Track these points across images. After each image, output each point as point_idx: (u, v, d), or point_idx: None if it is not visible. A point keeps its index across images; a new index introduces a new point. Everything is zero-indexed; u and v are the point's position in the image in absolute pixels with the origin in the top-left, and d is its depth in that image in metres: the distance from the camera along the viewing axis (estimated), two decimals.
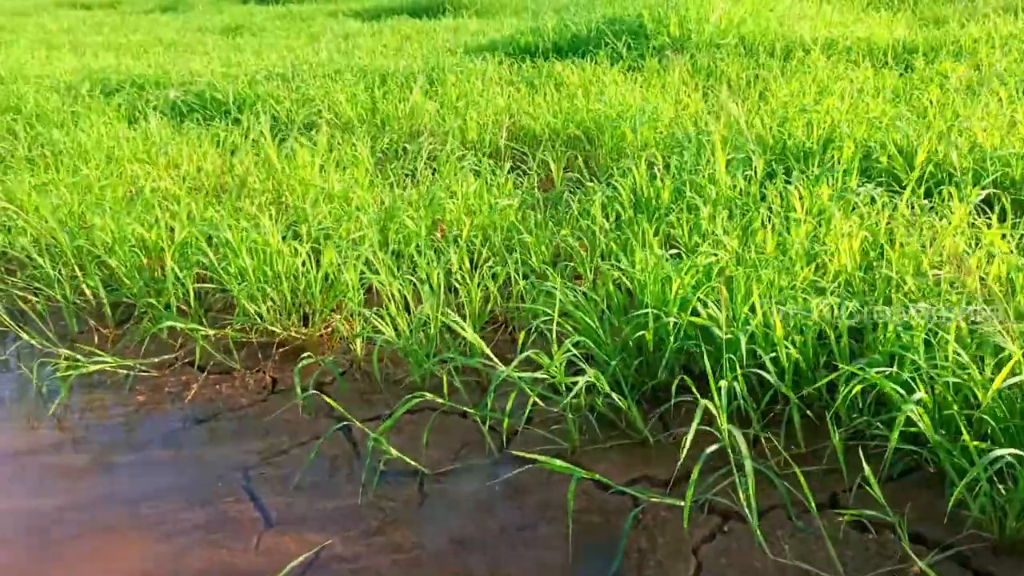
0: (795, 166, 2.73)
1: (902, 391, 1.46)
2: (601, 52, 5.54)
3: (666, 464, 1.65)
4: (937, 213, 2.24)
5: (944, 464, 1.44)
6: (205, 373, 2.19)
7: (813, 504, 1.43)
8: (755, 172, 2.58)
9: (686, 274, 1.84)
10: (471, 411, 1.84)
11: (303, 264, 2.29)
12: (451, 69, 5.19)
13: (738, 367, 1.64)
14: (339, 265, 2.26)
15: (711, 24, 5.65)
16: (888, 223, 2.13)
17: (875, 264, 1.95)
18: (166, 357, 2.25)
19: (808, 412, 1.70)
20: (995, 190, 2.44)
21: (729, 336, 1.68)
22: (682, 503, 1.45)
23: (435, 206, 2.66)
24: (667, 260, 1.95)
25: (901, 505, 1.49)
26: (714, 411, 1.51)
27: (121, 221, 2.59)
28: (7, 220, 2.90)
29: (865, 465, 1.44)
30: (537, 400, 1.78)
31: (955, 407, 1.45)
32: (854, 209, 2.27)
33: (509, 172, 3.12)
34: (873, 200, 2.28)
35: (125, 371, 2.16)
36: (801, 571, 1.40)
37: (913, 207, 2.25)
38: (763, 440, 1.67)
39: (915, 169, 2.54)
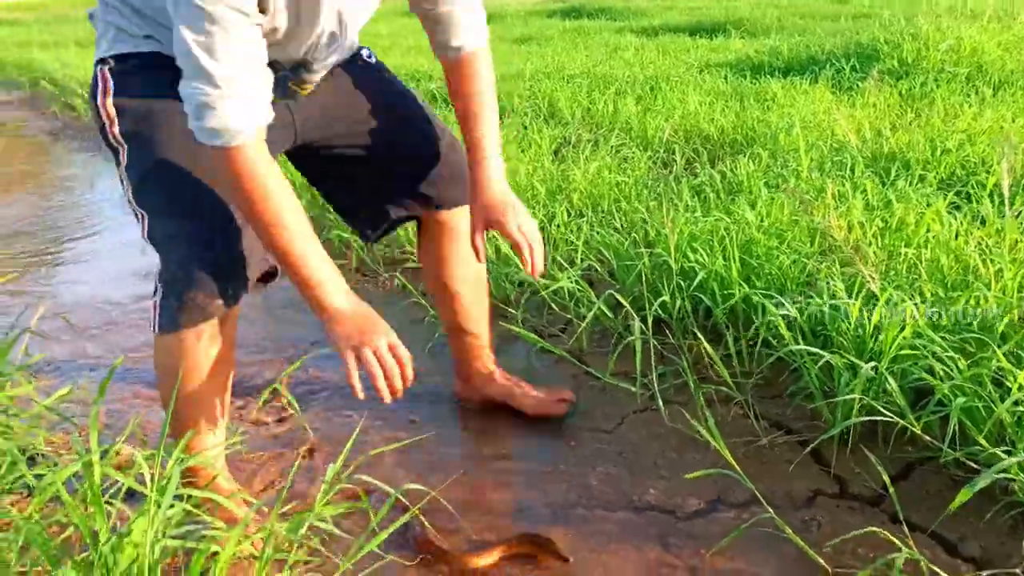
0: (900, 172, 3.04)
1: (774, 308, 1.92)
2: (824, 73, 5.81)
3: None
4: None
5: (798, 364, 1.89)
6: (358, 274, 3.07)
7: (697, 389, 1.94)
8: (849, 171, 2.95)
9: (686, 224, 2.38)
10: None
11: None
12: (672, 79, 5.77)
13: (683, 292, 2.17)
14: None
15: (940, 51, 5.68)
16: None
17: None
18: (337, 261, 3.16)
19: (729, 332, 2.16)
20: None
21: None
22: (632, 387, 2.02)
23: (564, 176, 3.33)
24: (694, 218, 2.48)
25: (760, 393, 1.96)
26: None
27: None
28: None
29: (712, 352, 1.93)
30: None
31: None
32: None
33: (662, 165, 3.71)
34: None
35: None
36: (686, 435, 1.90)
37: None
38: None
39: None
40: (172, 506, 1.25)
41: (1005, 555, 1.47)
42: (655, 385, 2.00)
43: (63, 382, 2.29)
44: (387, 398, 1.36)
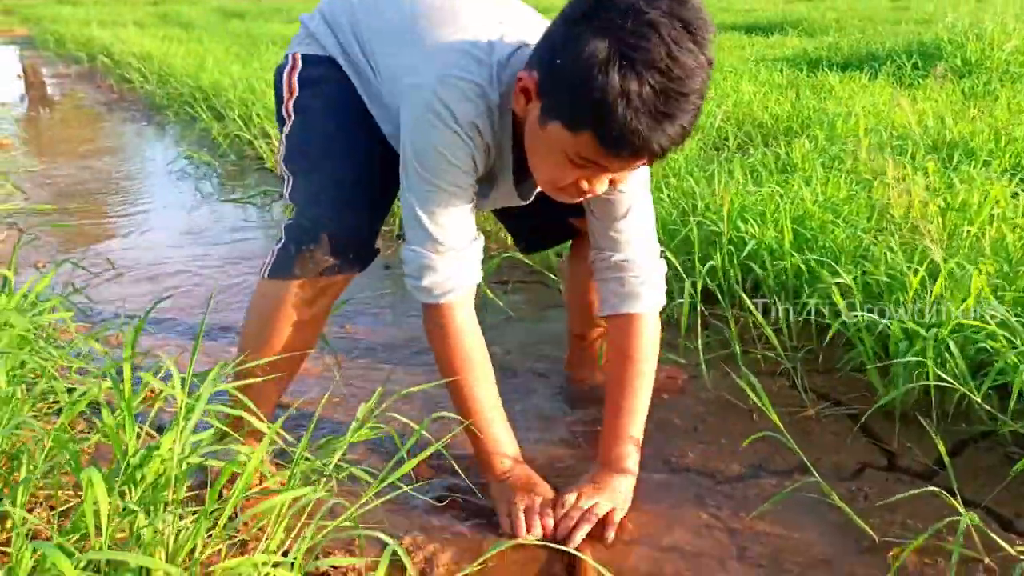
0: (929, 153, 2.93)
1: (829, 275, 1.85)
2: (884, 69, 5.67)
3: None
4: None
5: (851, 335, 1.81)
6: None
7: (743, 356, 1.88)
8: (910, 157, 2.86)
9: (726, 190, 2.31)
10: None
11: None
12: (726, 69, 5.67)
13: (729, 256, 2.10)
14: None
15: (1005, 51, 5.50)
16: None
17: None
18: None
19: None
20: None
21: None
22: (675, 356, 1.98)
23: None
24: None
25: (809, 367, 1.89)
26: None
27: None
28: None
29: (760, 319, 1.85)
30: None
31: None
32: None
33: (713, 148, 3.63)
34: None
35: None
36: (729, 402, 1.84)
37: None
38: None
39: None
40: (205, 430, 1.23)
41: None
42: (700, 352, 1.94)
43: (104, 317, 2.31)
44: (524, 537, 1.38)
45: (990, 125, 3.45)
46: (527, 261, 2.58)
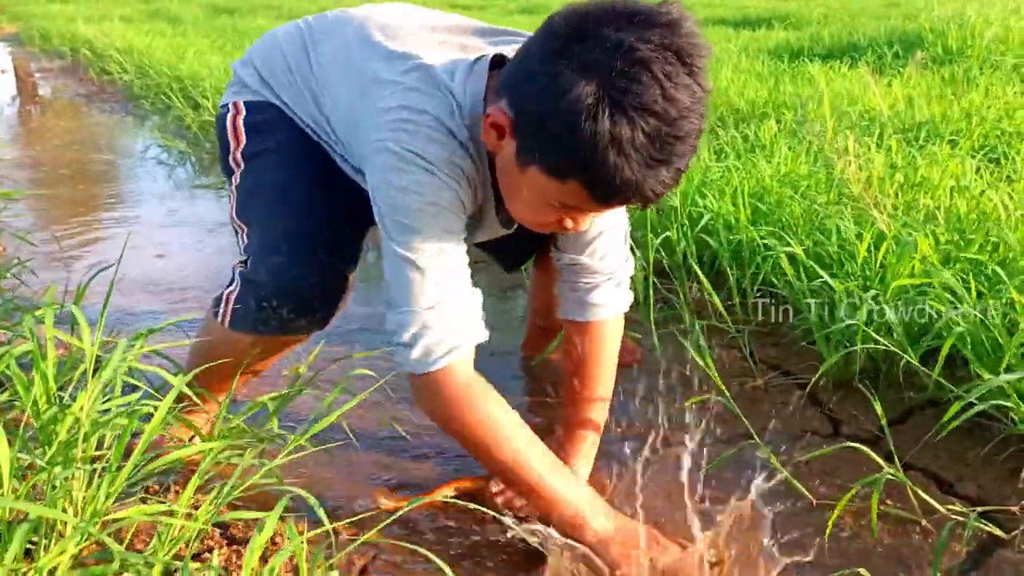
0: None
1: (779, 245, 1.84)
2: (864, 58, 5.66)
3: None
4: None
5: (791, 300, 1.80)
6: None
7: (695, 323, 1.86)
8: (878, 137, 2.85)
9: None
10: None
11: None
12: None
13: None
14: None
15: (986, 39, 5.50)
16: None
17: None
18: None
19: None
20: None
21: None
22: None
23: None
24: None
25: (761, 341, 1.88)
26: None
27: None
28: None
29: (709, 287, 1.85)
30: None
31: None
32: None
33: None
34: None
35: None
36: (681, 373, 1.82)
37: None
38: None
39: None
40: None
41: (1002, 495, 1.37)
42: (652, 325, 1.92)
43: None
44: None
45: (963, 108, 3.44)
46: None
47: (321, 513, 1.03)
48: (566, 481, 1.24)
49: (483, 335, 1.23)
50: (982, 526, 1.28)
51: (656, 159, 0.98)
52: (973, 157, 2.61)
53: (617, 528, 1.22)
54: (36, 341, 1.20)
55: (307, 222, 1.34)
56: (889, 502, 1.38)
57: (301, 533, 0.97)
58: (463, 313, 1.20)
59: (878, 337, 1.49)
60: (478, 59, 1.18)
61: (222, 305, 1.36)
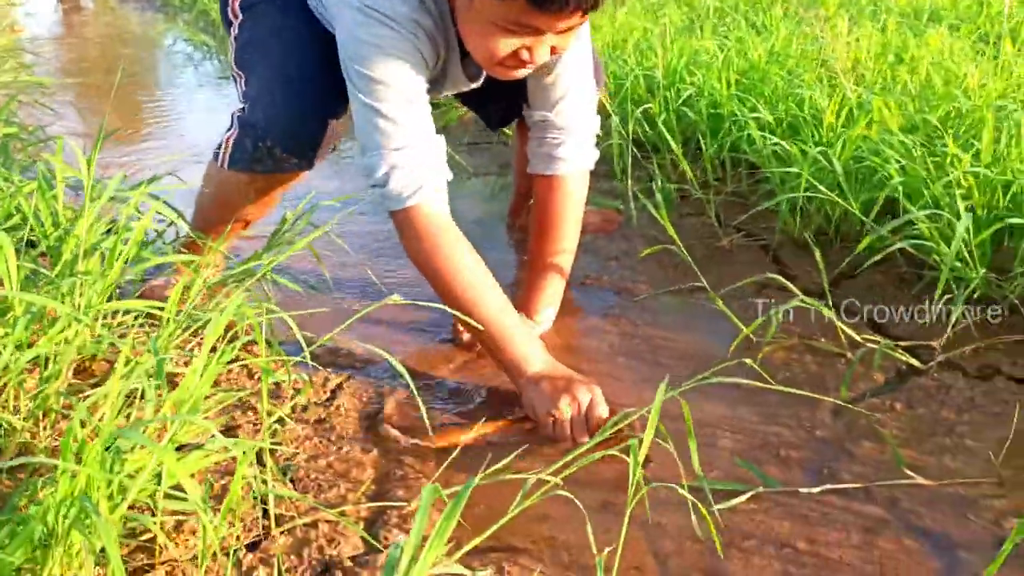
0: None
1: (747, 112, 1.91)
2: None
3: None
4: None
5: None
6: None
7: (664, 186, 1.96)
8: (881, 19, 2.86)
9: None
10: None
11: None
12: None
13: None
14: None
15: None
16: None
17: None
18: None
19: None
20: None
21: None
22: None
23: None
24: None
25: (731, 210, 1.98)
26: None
27: None
28: None
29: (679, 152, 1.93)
30: None
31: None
32: None
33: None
34: None
35: None
36: (651, 236, 1.93)
37: None
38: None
39: None
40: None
41: (930, 334, 1.47)
42: (628, 191, 2.02)
43: None
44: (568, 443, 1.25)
45: None
46: None
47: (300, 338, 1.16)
48: (517, 323, 1.34)
49: (447, 175, 1.35)
50: (901, 356, 1.39)
51: None
52: (974, 41, 2.62)
53: (548, 373, 1.30)
54: (42, 175, 1.34)
55: (300, 70, 1.44)
56: (824, 339, 1.49)
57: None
58: (428, 155, 1.31)
59: (820, 187, 1.58)
60: None
61: (221, 149, 1.50)
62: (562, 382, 1.27)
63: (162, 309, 1.14)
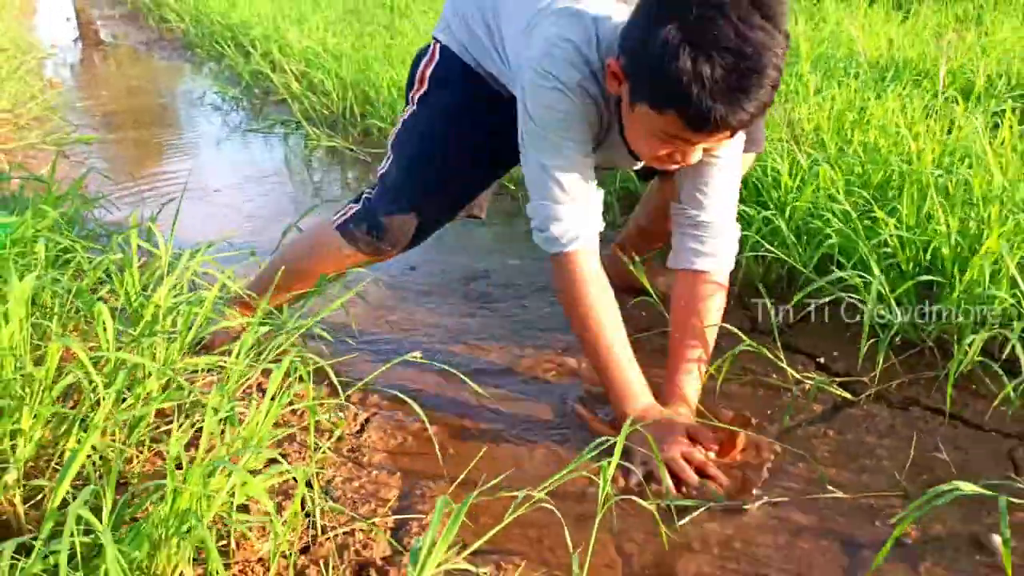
0: None
1: None
2: None
3: None
4: None
5: None
6: None
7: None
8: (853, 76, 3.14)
9: None
10: None
11: None
12: None
13: None
14: None
15: None
16: None
17: None
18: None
19: None
20: None
21: None
22: None
23: None
24: None
25: None
26: None
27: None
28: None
29: None
30: None
31: None
32: None
33: None
34: None
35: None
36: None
37: None
38: None
39: None
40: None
41: (863, 370, 1.74)
42: None
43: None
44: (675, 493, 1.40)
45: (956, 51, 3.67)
46: None
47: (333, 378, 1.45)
48: (630, 362, 1.51)
49: (602, 225, 1.53)
50: (836, 391, 1.66)
51: (736, 90, 1.18)
52: (935, 96, 2.89)
53: (653, 417, 1.44)
54: (125, 253, 1.64)
55: (435, 188, 1.68)
56: (775, 376, 1.76)
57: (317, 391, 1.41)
58: (588, 208, 1.49)
59: (768, 244, 1.86)
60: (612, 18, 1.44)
61: (340, 214, 1.75)
62: (665, 426, 1.45)
63: (226, 364, 1.43)
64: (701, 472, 1.42)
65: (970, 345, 1.58)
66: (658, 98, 1.26)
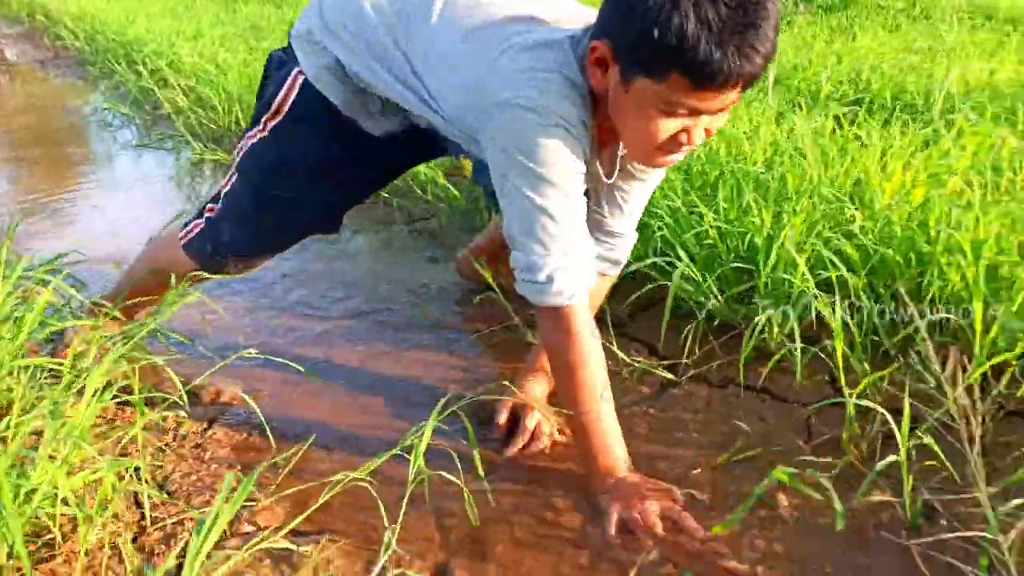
0: None
1: None
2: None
3: None
4: None
5: None
6: None
7: None
8: None
9: None
10: None
11: None
12: None
13: None
14: None
15: None
16: None
17: None
18: None
19: None
20: None
21: None
22: None
23: None
24: None
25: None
26: None
27: None
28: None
29: None
30: None
31: None
32: None
33: None
34: None
35: None
36: None
37: None
38: None
39: None
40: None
41: (716, 371, 1.86)
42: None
43: None
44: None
45: (817, 58, 3.90)
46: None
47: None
48: (613, 428, 1.44)
49: (594, 278, 1.41)
50: (660, 373, 1.78)
51: (743, 24, 1.07)
52: (788, 103, 3.07)
53: (628, 482, 1.40)
54: None
55: (283, 225, 1.71)
56: (610, 363, 1.85)
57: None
58: (585, 258, 1.36)
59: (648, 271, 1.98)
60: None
61: (186, 229, 1.76)
62: (635, 486, 1.40)
63: (61, 365, 1.47)
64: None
65: (763, 325, 1.71)
66: (658, 62, 1.13)
